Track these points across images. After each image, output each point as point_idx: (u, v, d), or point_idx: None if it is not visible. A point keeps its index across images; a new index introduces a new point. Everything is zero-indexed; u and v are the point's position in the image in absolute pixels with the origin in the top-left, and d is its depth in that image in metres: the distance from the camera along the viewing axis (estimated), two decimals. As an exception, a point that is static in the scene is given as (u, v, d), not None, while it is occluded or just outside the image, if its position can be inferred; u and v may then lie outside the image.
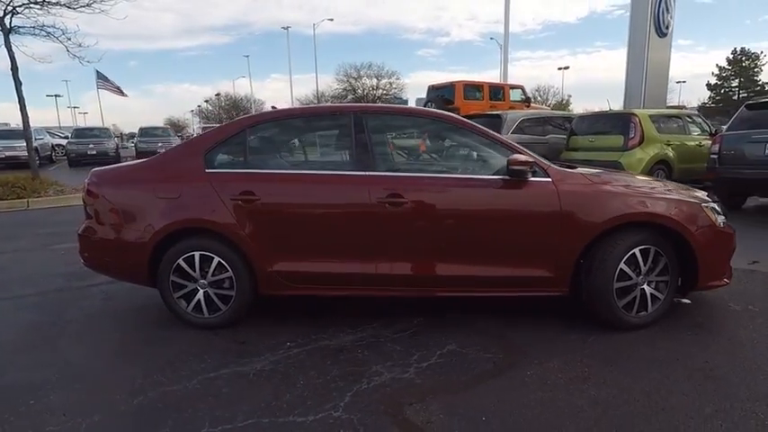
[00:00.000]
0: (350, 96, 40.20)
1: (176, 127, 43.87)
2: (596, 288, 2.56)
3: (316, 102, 41.08)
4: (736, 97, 38.58)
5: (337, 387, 2.16)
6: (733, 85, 40.47)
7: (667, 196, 2.64)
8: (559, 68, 53.52)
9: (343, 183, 2.68)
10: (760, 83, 38.33)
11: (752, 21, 76.27)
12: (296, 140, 3.03)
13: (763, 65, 39.35)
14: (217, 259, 2.73)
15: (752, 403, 1.92)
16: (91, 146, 17.17)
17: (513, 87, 13.31)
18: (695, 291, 2.77)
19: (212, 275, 2.77)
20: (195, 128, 57.35)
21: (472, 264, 2.64)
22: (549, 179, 2.61)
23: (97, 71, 21.34)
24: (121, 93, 23.54)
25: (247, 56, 47.22)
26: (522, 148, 2.71)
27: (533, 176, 2.60)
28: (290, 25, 35.38)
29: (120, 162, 18.49)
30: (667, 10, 10.83)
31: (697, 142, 7.61)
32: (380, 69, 41.29)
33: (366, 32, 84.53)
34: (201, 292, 2.80)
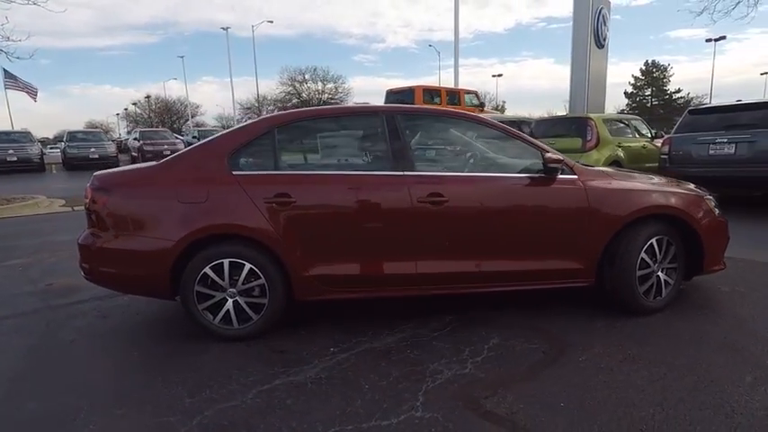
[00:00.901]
0: (294, 100, 39.52)
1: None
2: (622, 276, 2.75)
3: (257, 105, 39.91)
4: (649, 104, 42.95)
5: (405, 388, 2.14)
6: (646, 93, 45.03)
7: (677, 190, 2.91)
8: (493, 75, 56.31)
9: (382, 183, 2.66)
10: (668, 92, 43.14)
11: (655, 36, 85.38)
12: (327, 140, 2.96)
13: (671, 76, 44.30)
14: (248, 266, 2.60)
15: (777, 369, 2.18)
16: (11, 151, 15.43)
17: (468, 92, 13.84)
18: (698, 276, 3.06)
19: (243, 283, 2.63)
20: (122, 132, 53.40)
21: (509, 259, 2.74)
22: (576, 176, 2.77)
23: (5, 70, 19.10)
24: (34, 94, 21.32)
25: (182, 56, 44.80)
26: (547, 146, 2.86)
27: (561, 174, 2.75)
28: (224, 26, 33.96)
29: (44, 170, 16.77)
30: (605, 23, 11.84)
31: (642, 144, 8.38)
32: (325, 74, 41.13)
33: (302, 36, 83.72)
34: (231, 301, 2.65)
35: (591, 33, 11.46)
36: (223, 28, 34.51)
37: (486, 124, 2.94)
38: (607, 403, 1.96)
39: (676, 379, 2.12)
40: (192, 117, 45.54)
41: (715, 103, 7.53)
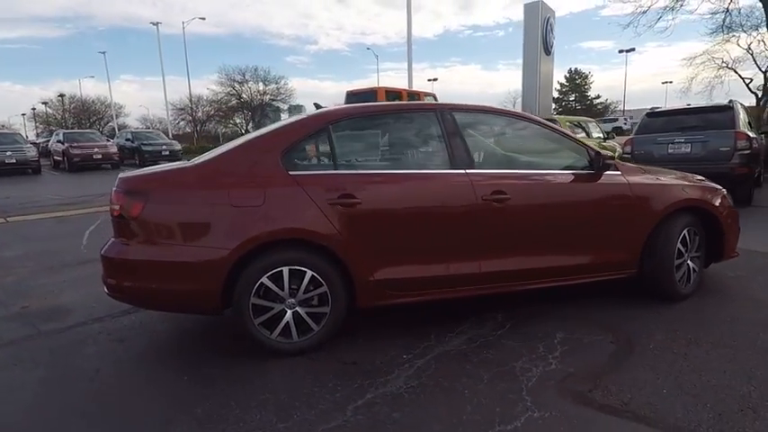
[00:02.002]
0: (234, 101, 37.76)
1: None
2: (663, 266, 2.92)
3: (192, 106, 37.65)
4: (573, 109, 46.55)
5: (506, 389, 2.09)
6: (571, 98, 48.80)
7: (703, 185, 3.14)
8: (429, 80, 57.77)
9: (447, 181, 2.59)
10: (590, 98, 47.18)
11: (569, 46, 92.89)
12: (384, 138, 2.83)
13: (592, 83, 48.50)
14: (309, 273, 2.41)
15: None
16: (8, 153, 13.84)
17: (427, 95, 14.09)
18: (715, 263, 3.32)
19: (304, 292, 2.43)
20: (30, 133, 47.85)
21: (565, 254, 2.79)
22: (619, 172, 2.90)
23: None
24: None
25: (104, 52, 40.39)
26: (589, 144, 2.96)
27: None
28: (152, 21, 31.80)
29: (40, 172, 15.18)
30: (551, 31, 12.64)
31: (596, 144, 9.04)
32: (266, 74, 39.68)
33: (231, 35, 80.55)
34: (290, 312, 2.44)
35: (540, 41, 12.17)
36: (153, 23, 32.15)
37: (534, 122, 2.99)
38: (703, 386, 2.05)
39: (748, 358, 2.28)
40: (116, 118, 41.85)
41: (669, 106, 8.30)
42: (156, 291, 2.39)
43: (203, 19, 35.36)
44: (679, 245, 2.95)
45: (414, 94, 13.46)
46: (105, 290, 2.49)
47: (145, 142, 18.63)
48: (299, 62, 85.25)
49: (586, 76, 48.25)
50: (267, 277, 2.37)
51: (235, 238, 2.30)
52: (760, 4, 15.12)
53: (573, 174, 2.83)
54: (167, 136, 24.46)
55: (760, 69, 30.49)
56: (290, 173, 2.43)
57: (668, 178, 3.08)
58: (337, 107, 2.78)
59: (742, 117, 6.50)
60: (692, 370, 2.19)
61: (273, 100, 38.44)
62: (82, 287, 3.84)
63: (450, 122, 2.70)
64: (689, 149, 6.43)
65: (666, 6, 14.60)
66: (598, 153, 2.81)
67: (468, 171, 2.62)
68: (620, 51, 41.91)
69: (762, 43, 26.35)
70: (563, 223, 2.77)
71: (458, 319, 2.87)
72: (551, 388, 2.09)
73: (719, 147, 6.16)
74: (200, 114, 40.51)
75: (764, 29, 22.09)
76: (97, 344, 2.76)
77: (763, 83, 30.20)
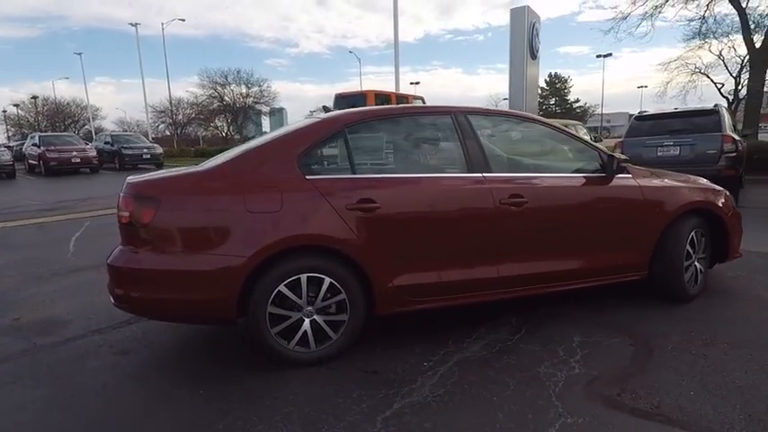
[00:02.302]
0: (216, 104, 37.09)
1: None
2: (672, 267, 2.95)
3: (172, 109, 36.87)
4: (553, 112, 47.46)
5: (535, 395, 2.07)
6: (551, 102, 49.74)
7: (707, 186, 3.19)
8: (411, 83, 58.06)
9: (464, 185, 2.57)
10: (569, 101, 48.21)
11: (546, 52, 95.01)
12: (400, 141, 2.77)
13: (571, 87, 49.60)
14: (328, 280, 2.35)
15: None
16: None
17: (416, 98, 14.13)
18: (719, 263, 3.38)
19: (322, 300, 2.37)
20: (0, 136, 46.12)
21: (581, 257, 2.80)
22: (630, 175, 2.92)
23: None
24: None
25: (80, 53, 39.15)
26: (600, 147, 2.98)
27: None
28: (120, 23, 31.34)
29: (15, 176, 15.04)
30: (537, 36, 12.83)
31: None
32: (249, 76, 39.11)
33: (209, 37, 79.57)
34: (308, 321, 2.37)
35: (526, 45, 12.34)
36: (131, 24, 31.43)
37: (546, 125, 2.99)
38: (729, 387, 2.07)
39: (764, 358, 2.31)
40: (93, 120, 40.62)
41: (656, 110, 8.50)
42: (167, 301, 2.29)
43: (183, 20, 34.67)
44: (688, 246, 2.99)
45: (402, 98, 13.48)
46: (112, 300, 2.37)
47: (125, 145, 18.16)
48: (280, 65, 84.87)
49: (566, 81, 49.35)
50: (284, 285, 2.29)
51: (252, 246, 2.22)
52: (733, 12, 15.69)
53: (586, 177, 2.84)
54: (147, 139, 23.88)
55: (731, 74, 31.65)
56: (307, 177, 2.37)
57: (675, 181, 3.12)
58: (354, 110, 2.73)
59: (727, 120, 6.70)
60: (714, 371, 2.21)
61: (257, 103, 37.92)
62: (75, 297, 3.68)
63: (466, 125, 2.68)
64: (677, 152, 6.59)
65: (645, 13, 15.04)
66: (611, 156, 2.83)
67: (485, 175, 2.60)
68: (598, 56, 42.99)
69: (732, 49, 27.41)
70: (578, 226, 2.78)
71: (473, 324, 2.84)
72: (579, 392, 2.08)
73: (707, 149, 6.33)
74: (180, 117, 39.70)
75: (735, 35, 22.98)
76: (99, 357, 2.63)
77: (734, 87, 31.40)
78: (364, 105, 12.41)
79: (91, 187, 12.73)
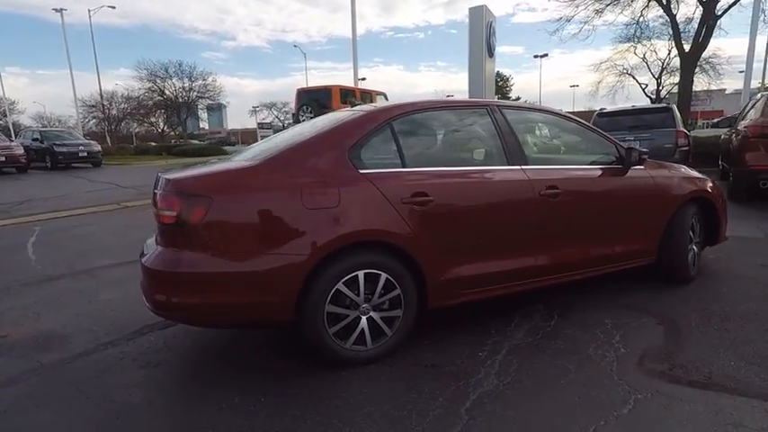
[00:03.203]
0: (157, 97, 34.60)
1: None
2: (678, 252, 3.20)
3: (104, 103, 34.01)
4: (497, 110, 49.35)
5: (597, 375, 2.17)
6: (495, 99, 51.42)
7: (701, 176, 3.48)
8: (360, 79, 57.91)
9: (508, 177, 2.62)
10: (511, 99, 50.37)
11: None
12: (442, 134, 2.76)
13: (512, 85, 52.00)
14: (384, 276, 2.31)
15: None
16: None
17: (378, 94, 14.10)
18: (710, 247, 3.71)
19: (379, 296, 2.32)
20: None
21: (605, 244, 2.96)
22: (642, 166, 3.13)
23: None
24: None
25: None
26: (614, 140, 3.17)
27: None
28: (31, 8, 28.45)
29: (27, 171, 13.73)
30: (494, 35, 13.29)
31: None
32: (193, 69, 36.76)
33: (138, 28, 74.55)
34: (365, 319, 2.32)
35: (485, 44, 12.74)
36: (56, 9, 28.47)
37: (569, 119, 3.13)
38: (761, 355, 2.29)
39: None
40: (9, 115, 36.39)
41: (617, 107, 9.10)
42: (217, 306, 2.14)
43: (113, 8, 31.97)
44: (690, 231, 3.26)
45: (366, 93, 13.44)
46: (150, 306, 2.18)
47: (57, 143, 16.54)
48: (217, 58, 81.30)
49: (507, 79, 51.58)
50: (342, 283, 2.23)
51: (312, 243, 2.13)
52: (661, 17, 17.21)
53: (607, 168, 3.01)
54: (79, 135, 21.91)
55: (653, 76, 34.61)
56: (361, 171, 2.31)
57: (677, 171, 3.39)
58: (399, 103, 2.68)
59: (678, 117, 7.34)
60: (743, 342, 2.43)
61: (201, 97, 35.87)
62: (62, 308, 3.33)
63: (502, 119, 2.74)
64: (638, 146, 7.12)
65: (588, 16, 16.09)
66: (630, 149, 3.01)
67: (523, 167, 2.67)
68: (536, 56, 45.49)
69: (654, 53, 30.00)
70: (602, 215, 2.94)
71: (505, 314, 2.92)
72: (635, 370, 2.21)
73: (664, 144, 6.91)
74: (114, 112, 36.73)
75: (656, 41, 25.10)
76: (126, 371, 2.40)
77: (656, 87, 34.38)
78: (329, 100, 12.25)
79: (25, 189, 11.46)
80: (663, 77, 33.23)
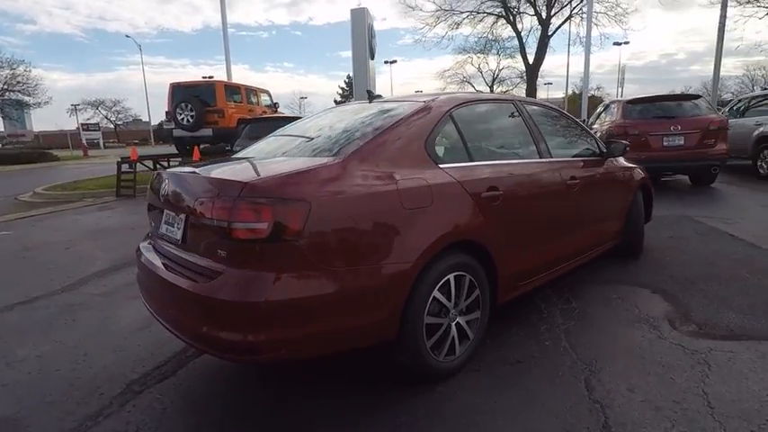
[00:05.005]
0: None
1: None
2: (637, 230, 3.76)
3: None
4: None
5: (652, 342, 2.40)
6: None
7: (640, 166, 4.12)
8: (203, 77, 53.44)
9: (549, 169, 2.75)
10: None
11: (330, 54, 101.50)
12: (492, 127, 2.69)
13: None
14: (468, 277, 2.18)
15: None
16: None
17: (263, 91, 13.09)
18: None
19: (465, 300, 2.18)
20: None
21: (601, 228, 3.32)
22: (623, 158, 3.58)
23: None
24: None
25: None
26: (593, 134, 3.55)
27: (602, 155, 3.50)
28: None
29: None
30: (374, 37, 13.60)
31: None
32: (-1, 57, 28.01)
33: None
34: (454, 325, 2.15)
35: (367, 47, 12.97)
36: None
37: (563, 115, 3.39)
38: (757, 304, 2.81)
39: (754, 285, 3.14)
40: None
41: None
42: (316, 336, 1.72)
43: None
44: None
45: (251, 90, 12.41)
46: (206, 349, 1.68)
47: None
48: (9, 44, 65.84)
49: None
50: (438, 290, 2.02)
51: (416, 247, 1.89)
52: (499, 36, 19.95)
53: (596, 159, 3.34)
54: None
55: (487, 84, 39.86)
56: (440, 166, 2.13)
57: (627, 162, 3.96)
58: (450, 96, 2.52)
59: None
60: (722, 298, 2.95)
61: (9, 90, 28.05)
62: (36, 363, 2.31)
63: (527, 114, 2.83)
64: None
65: (447, 32, 17.75)
66: (615, 141, 3.41)
67: (550, 159, 2.81)
68: (386, 62, 48.20)
69: (486, 64, 34.51)
70: (600, 201, 3.31)
71: (523, 302, 2.98)
72: (677, 334, 2.51)
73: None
74: None
75: (488, 55, 28.83)
76: (150, 412, 1.79)
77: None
78: (212, 96, 11.00)
79: None
80: (494, 86, 38.68)
